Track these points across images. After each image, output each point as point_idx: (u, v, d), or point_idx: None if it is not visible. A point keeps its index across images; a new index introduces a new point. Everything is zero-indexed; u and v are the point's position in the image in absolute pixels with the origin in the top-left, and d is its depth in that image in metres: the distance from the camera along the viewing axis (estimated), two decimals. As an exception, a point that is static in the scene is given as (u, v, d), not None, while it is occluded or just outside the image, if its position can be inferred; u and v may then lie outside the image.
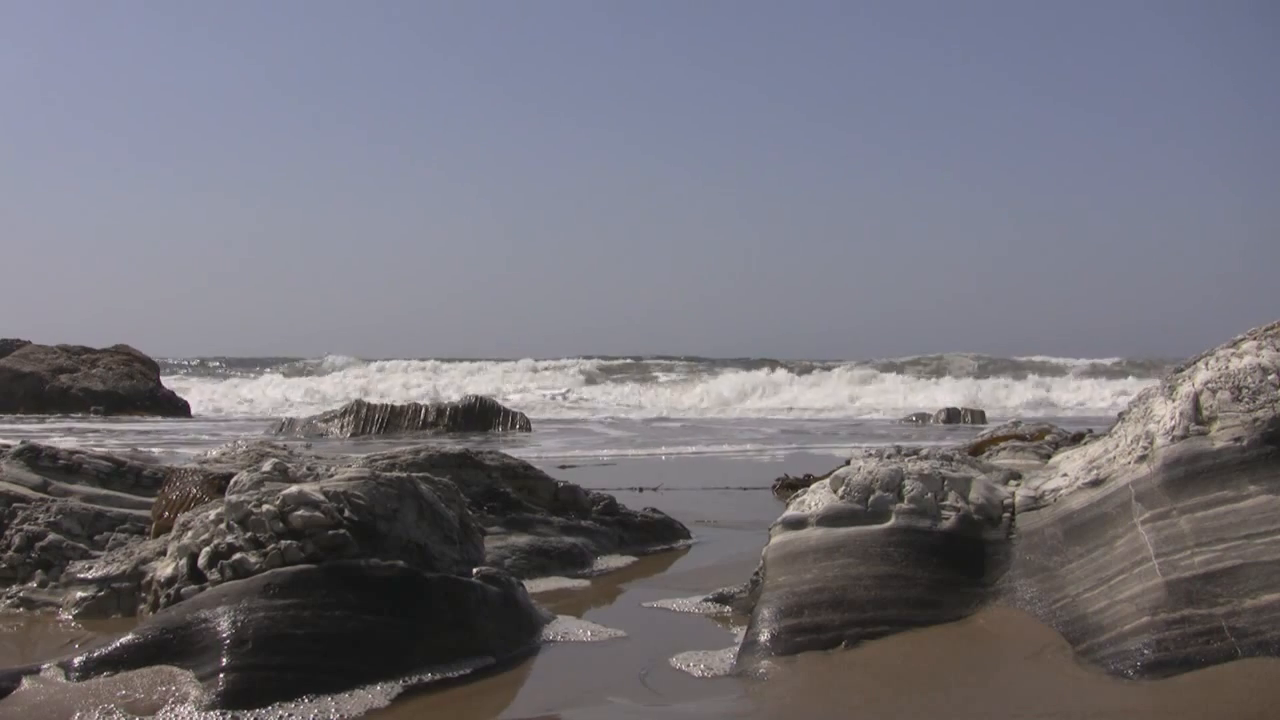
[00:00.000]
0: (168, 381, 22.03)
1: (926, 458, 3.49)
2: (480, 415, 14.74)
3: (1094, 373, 30.25)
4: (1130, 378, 28.05)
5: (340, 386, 27.81)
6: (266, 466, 3.50)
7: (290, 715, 2.68)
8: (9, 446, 4.41)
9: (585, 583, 4.49)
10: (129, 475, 4.41)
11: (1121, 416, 3.37)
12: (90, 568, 3.87)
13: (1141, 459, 3.06)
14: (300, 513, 3.05)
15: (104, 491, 4.28)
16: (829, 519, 3.32)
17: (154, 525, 3.98)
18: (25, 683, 2.78)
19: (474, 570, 3.33)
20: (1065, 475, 3.34)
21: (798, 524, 3.37)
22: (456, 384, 28.46)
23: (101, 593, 3.77)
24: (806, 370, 29.95)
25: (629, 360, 36.28)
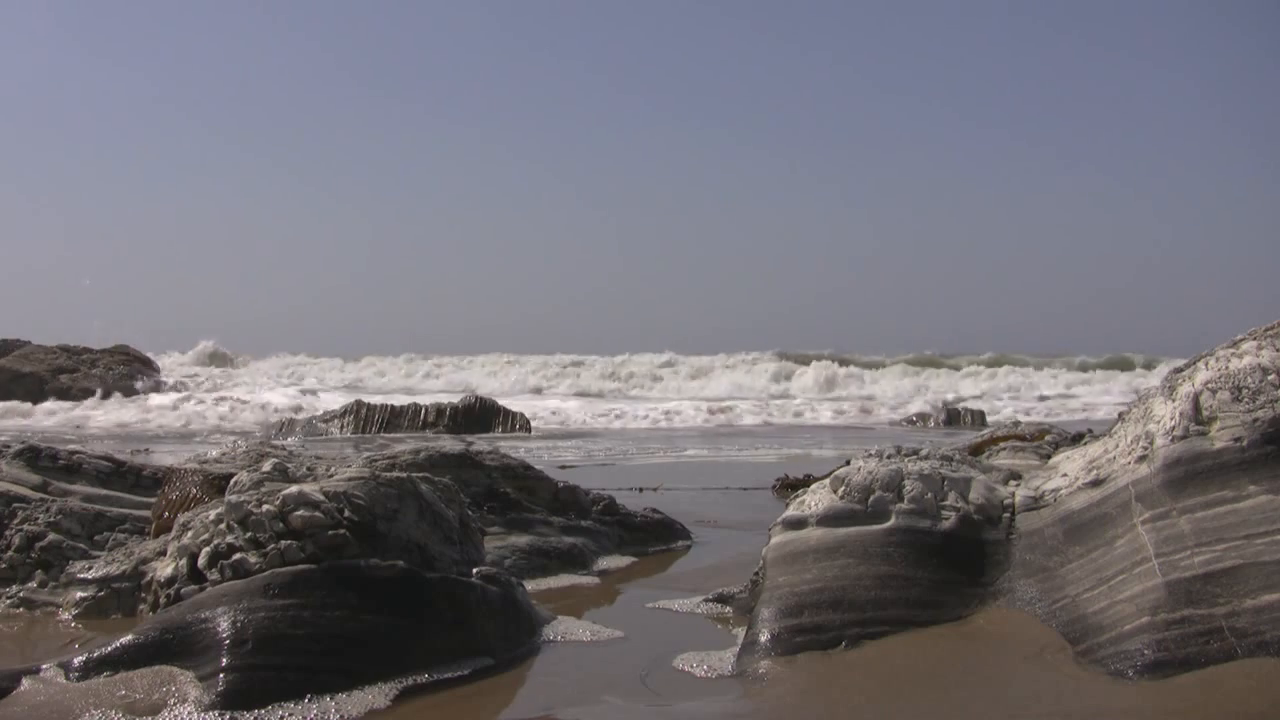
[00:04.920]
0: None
1: (926, 458, 3.49)
2: (480, 416, 14.75)
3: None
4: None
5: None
6: (266, 466, 3.50)
7: (290, 715, 2.68)
8: (9, 446, 4.41)
9: (585, 583, 4.49)
10: (129, 475, 4.41)
11: (1121, 417, 3.37)
12: (90, 568, 3.88)
13: (1141, 459, 3.06)
14: (300, 513, 3.05)
15: (104, 491, 4.29)
16: (829, 519, 3.32)
17: (154, 525, 3.98)
18: (25, 683, 2.78)
19: (474, 570, 3.34)
20: (1065, 475, 3.34)
21: (798, 524, 3.37)
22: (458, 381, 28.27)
23: (101, 593, 3.77)
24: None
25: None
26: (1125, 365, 30.74)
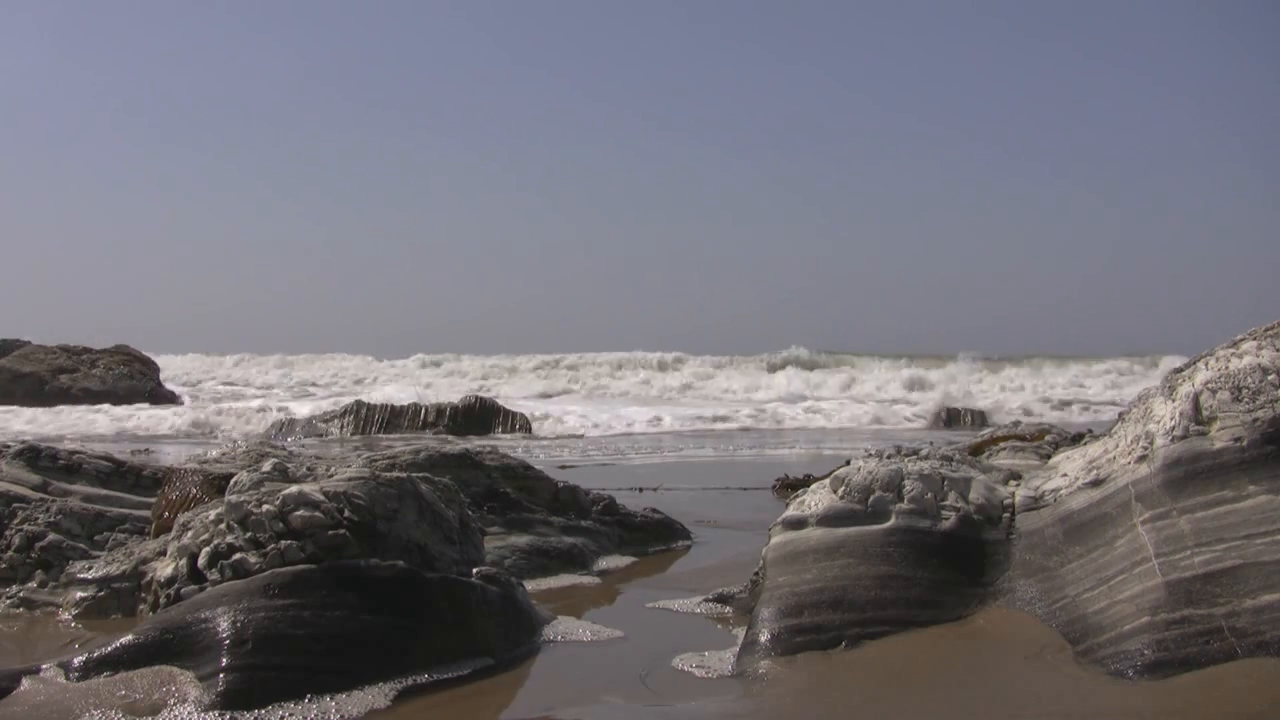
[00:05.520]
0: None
1: (926, 458, 3.49)
2: (480, 416, 14.74)
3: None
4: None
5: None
6: (266, 466, 3.50)
7: (290, 715, 2.68)
8: (9, 446, 4.41)
9: (585, 583, 4.49)
10: (129, 475, 4.40)
11: (1121, 417, 3.37)
12: (90, 568, 3.87)
13: (1141, 459, 3.06)
14: (300, 513, 3.05)
15: (104, 491, 4.28)
16: (829, 519, 3.32)
17: (154, 525, 3.98)
18: (25, 683, 2.78)
19: (474, 570, 3.34)
20: (1065, 475, 3.34)
21: (798, 524, 3.37)
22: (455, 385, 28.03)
23: (101, 593, 3.77)
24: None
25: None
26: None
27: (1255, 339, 3.15)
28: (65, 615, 3.75)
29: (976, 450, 4.37)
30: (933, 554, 3.21)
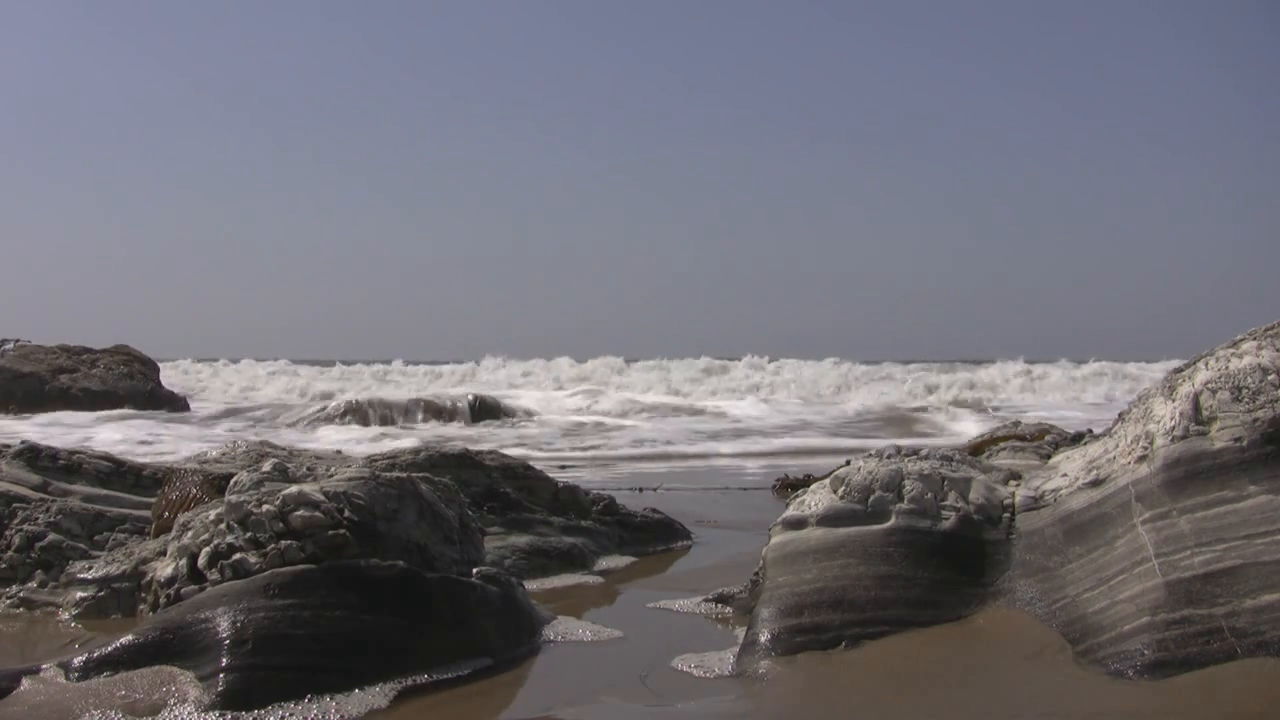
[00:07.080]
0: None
1: (926, 458, 3.49)
2: (480, 416, 14.77)
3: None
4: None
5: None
6: (266, 466, 3.50)
7: (290, 715, 2.68)
8: (9, 446, 4.41)
9: (585, 583, 4.49)
10: (129, 475, 4.40)
11: (1121, 416, 3.37)
12: (90, 568, 3.87)
13: (1141, 459, 3.06)
14: (300, 513, 3.05)
15: (104, 491, 4.28)
16: (829, 519, 3.32)
17: (154, 525, 3.98)
18: (25, 683, 2.78)
19: (474, 570, 3.34)
20: (1065, 475, 3.34)
21: (798, 524, 3.37)
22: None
23: (101, 593, 3.77)
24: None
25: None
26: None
27: (1255, 339, 3.15)
28: (65, 615, 3.75)
29: (976, 450, 4.38)
30: (933, 554, 3.21)
